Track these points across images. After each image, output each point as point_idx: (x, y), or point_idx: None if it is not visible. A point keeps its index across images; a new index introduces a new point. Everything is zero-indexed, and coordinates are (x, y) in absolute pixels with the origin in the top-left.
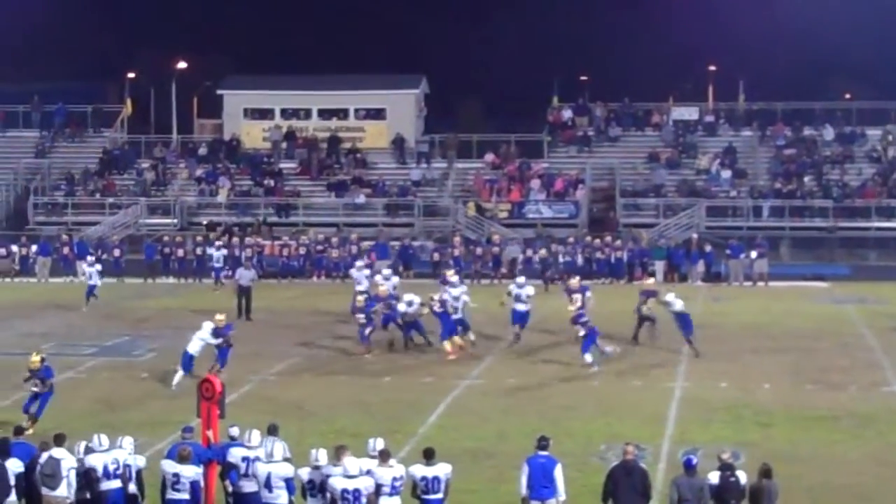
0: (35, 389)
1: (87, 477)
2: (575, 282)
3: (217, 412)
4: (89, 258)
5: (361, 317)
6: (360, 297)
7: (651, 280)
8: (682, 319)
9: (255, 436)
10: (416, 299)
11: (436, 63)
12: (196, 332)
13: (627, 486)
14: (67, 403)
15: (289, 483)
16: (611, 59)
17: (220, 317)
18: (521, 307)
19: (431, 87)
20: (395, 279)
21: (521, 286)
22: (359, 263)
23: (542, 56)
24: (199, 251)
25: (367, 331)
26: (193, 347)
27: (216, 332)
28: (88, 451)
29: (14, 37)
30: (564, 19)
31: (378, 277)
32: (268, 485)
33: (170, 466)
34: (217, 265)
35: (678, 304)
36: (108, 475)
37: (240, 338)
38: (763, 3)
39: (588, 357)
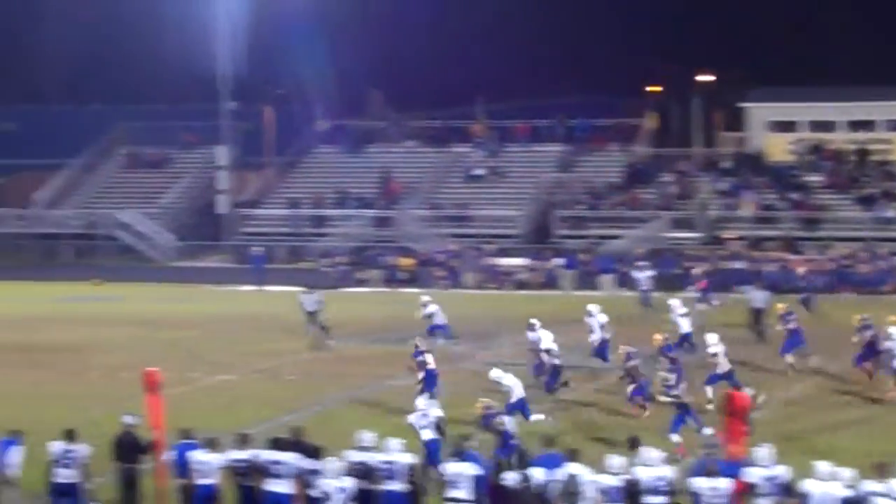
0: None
1: (629, 492)
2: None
3: (742, 428)
4: (425, 298)
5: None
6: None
7: None
8: None
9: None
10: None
11: None
12: None
13: None
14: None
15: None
16: None
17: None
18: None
19: None
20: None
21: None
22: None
23: None
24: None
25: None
26: None
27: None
28: (634, 464)
29: (548, 55)
30: None
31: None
32: None
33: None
34: (644, 288)
35: None
36: (653, 490)
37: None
38: None
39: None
